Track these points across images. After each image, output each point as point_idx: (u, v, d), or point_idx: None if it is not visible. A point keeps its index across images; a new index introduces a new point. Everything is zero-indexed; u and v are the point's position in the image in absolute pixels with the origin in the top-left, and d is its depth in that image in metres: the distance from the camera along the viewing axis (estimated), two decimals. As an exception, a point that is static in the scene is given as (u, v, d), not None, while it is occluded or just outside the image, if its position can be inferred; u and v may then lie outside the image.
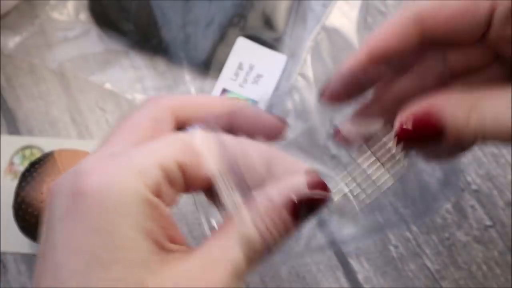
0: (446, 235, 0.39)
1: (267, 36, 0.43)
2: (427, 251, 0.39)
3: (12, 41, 0.45)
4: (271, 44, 0.43)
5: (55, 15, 0.45)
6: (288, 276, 0.39)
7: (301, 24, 0.44)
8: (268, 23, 0.44)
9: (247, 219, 0.22)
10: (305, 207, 0.23)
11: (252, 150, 0.23)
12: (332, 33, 0.44)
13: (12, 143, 0.43)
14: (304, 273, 0.39)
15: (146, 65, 0.44)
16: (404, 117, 0.25)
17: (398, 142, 0.26)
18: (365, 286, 0.39)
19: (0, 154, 0.42)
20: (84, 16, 0.45)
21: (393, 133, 0.26)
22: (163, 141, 0.22)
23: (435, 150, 0.28)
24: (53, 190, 0.22)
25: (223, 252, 0.22)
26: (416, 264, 0.39)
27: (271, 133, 0.27)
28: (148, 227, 0.21)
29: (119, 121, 0.24)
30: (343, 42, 0.44)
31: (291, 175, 0.23)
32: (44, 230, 0.22)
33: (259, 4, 0.44)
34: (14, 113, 0.44)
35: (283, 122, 0.27)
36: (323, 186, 0.23)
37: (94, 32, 0.45)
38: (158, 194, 0.21)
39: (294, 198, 0.22)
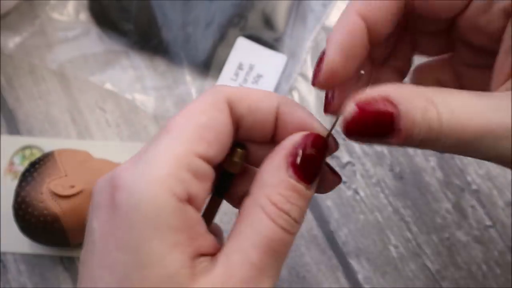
0: (446, 235, 0.39)
1: (267, 36, 0.43)
2: (427, 251, 0.39)
3: (12, 41, 0.45)
4: (271, 44, 0.43)
5: (55, 15, 0.45)
6: (288, 276, 0.39)
7: (301, 24, 0.44)
8: (268, 23, 0.44)
9: (263, 216, 0.22)
10: (310, 166, 0.23)
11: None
12: (332, 33, 0.44)
13: (12, 143, 0.43)
14: (304, 273, 0.39)
15: (146, 65, 0.44)
16: (357, 100, 0.22)
17: (346, 128, 0.22)
18: (365, 286, 0.39)
19: (0, 154, 0.42)
20: (84, 16, 0.45)
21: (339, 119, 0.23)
22: (177, 135, 0.22)
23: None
24: (93, 192, 0.22)
25: (242, 255, 0.21)
26: (416, 264, 0.39)
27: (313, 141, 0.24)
28: (176, 240, 0.20)
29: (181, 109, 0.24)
30: (343, 42, 0.44)
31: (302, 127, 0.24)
32: (86, 233, 0.22)
33: (259, 4, 0.44)
34: (14, 113, 0.44)
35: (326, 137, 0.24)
36: (318, 140, 0.23)
37: (94, 32, 0.45)
38: (189, 197, 0.21)
39: (297, 159, 0.22)
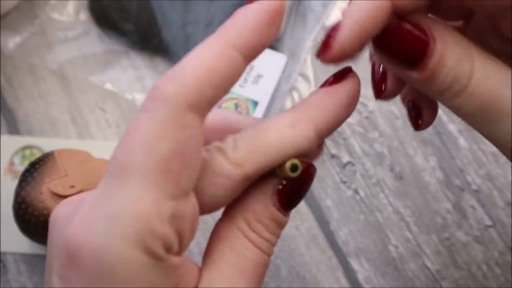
0: (446, 235, 0.39)
1: (267, 36, 0.43)
2: (427, 251, 0.39)
3: (12, 41, 0.45)
4: (271, 44, 0.43)
5: (55, 15, 0.45)
6: (288, 276, 0.39)
7: (301, 24, 0.44)
8: (268, 23, 0.44)
9: (242, 246, 0.21)
10: (295, 196, 0.22)
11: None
12: (332, 33, 0.44)
13: (12, 143, 0.43)
14: (304, 273, 0.39)
15: (146, 65, 0.44)
16: (404, 19, 0.21)
17: (378, 38, 0.21)
18: (365, 286, 0.39)
19: (0, 154, 0.42)
20: (84, 16, 0.45)
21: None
22: (139, 178, 0.18)
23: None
24: (52, 222, 0.20)
25: (228, 283, 0.20)
26: (416, 264, 0.39)
27: None
28: None
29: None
30: (343, 42, 0.44)
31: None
32: (46, 269, 0.20)
33: (259, 4, 0.44)
34: (14, 113, 0.44)
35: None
36: (308, 167, 0.22)
37: (94, 32, 0.45)
38: (170, 247, 0.18)
39: (285, 187, 0.21)
